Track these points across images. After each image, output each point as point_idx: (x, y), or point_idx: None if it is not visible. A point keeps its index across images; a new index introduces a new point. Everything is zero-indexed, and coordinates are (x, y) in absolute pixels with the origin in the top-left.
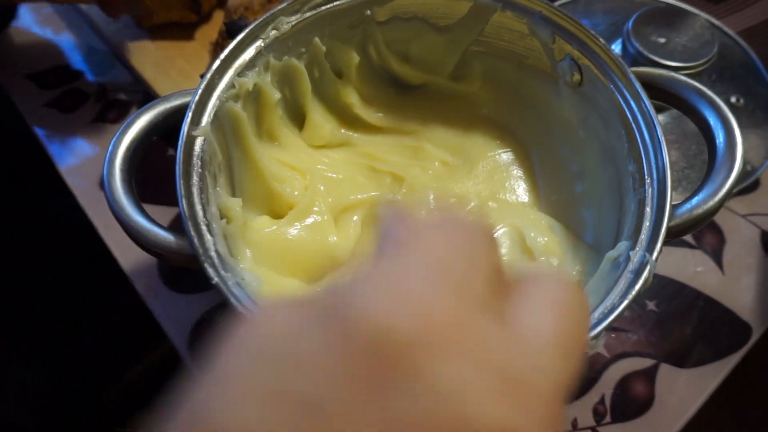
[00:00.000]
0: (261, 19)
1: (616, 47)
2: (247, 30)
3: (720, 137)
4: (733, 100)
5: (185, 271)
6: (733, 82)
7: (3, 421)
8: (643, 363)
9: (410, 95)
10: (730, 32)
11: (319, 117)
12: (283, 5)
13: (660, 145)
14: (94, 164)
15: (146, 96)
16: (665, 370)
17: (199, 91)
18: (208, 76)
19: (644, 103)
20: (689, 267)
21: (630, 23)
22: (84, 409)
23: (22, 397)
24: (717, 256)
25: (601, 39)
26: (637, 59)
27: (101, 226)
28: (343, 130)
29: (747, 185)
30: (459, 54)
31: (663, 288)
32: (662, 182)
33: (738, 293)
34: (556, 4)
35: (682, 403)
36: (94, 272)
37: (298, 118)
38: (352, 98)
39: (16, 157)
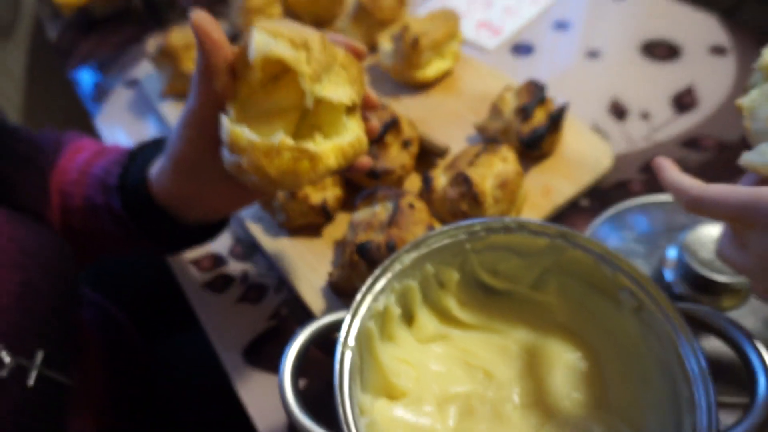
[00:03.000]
0: (390, 259)
1: (673, 251)
2: (380, 268)
3: (761, 381)
4: None
5: None
6: None
7: None
8: None
9: (497, 299)
10: None
11: (425, 318)
12: (407, 247)
13: (708, 383)
14: (239, 337)
15: (280, 282)
16: None
17: (349, 317)
18: (354, 305)
19: (693, 344)
20: None
21: (683, 236)
22: None
23: None
24: None
25: (654, 283)
26: (688, 270)
27: (244, 392)
28: (443, 327)
29: None
30: (538, 272)
31: None
32: (711, 416)
33: None
34: (617, 207)
35: None
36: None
37: (408, 318)
38: (450, 303)
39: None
